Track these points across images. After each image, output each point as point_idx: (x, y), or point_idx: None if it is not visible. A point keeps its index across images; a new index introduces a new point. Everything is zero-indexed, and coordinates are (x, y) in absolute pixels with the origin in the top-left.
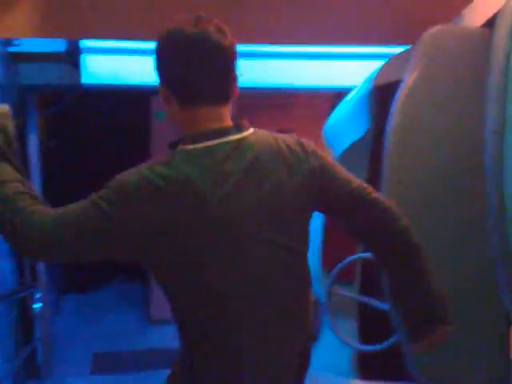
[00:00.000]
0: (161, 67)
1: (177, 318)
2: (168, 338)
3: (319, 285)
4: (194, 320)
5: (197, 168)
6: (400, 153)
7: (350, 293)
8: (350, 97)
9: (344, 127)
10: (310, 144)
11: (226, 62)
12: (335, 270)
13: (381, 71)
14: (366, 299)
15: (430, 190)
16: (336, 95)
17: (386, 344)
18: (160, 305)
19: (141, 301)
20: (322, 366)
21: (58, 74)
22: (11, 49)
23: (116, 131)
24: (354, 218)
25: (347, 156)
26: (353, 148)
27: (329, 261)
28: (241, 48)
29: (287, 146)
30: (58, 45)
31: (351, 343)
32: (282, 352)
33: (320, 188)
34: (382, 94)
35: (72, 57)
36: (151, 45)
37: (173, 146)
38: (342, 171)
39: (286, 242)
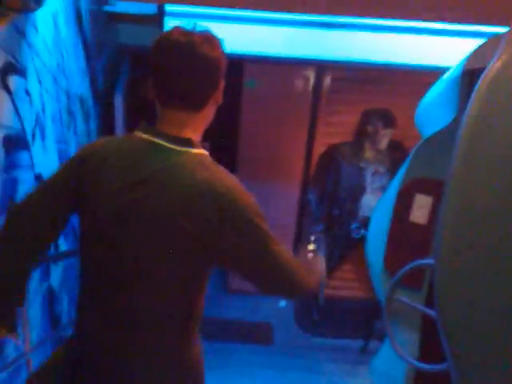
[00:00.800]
0: (150, 69)
1: None
2: (245, 310)
3: (380, 287)
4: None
5: (117, 153)
6: (470, 156)
7: (413, 301)
8: (444, 77)
9: (433, 111)
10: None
11: (205, 72)
12: (399, 274)
13: (474, 53)
14: (430, 311)
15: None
16: (433, 73)
17: (446, 365)
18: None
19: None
20: (377, 374)
21: (152, 36)
22: (107, 8)
23: None
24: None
25: (429, 145)
26: (436, 137)
27: (394, 261)
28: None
29: (200, 193)
30: (150, 7)
31: (407, 358)
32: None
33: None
34: (470, 79)
35: (161, 20)
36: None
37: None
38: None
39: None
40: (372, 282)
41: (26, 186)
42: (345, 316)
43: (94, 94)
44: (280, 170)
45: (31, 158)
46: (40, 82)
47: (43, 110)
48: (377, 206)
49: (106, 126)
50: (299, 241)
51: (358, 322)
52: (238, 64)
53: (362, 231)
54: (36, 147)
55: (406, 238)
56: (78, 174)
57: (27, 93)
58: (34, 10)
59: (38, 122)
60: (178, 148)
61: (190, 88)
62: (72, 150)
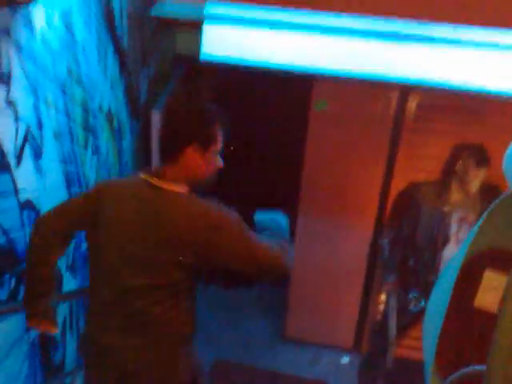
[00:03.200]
0: None
1: None
2: (301, 362)
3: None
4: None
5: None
6: None
7: None
8: None
9: None
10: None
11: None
12: (450, 379)
13: None
14: None
15: None
16: None
17: None
18: (297, 320)
19: (275, 312)
20: None
21: None
22: (154, 11)
23: (267, 117)
24: None
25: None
26: None
27: (446, 357)
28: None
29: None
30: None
31: None
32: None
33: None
34: None
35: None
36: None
37: None
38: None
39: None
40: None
41: (7, 215)
42: (415, 381)
43: (131, 108)
44: (351, 206)
45: (13, 183)
46: (35, 92)
47: (39, 124)
48: (441, 275)
49: (144, 144)
50: (369, 291)
51: None
52: (306, 81)
53: (422, 303)
54: (23, 169)
55: (466, 329)
56: (94, 208)
57: (9, 103)
58: (25, 3)
59: (29, 139)
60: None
61: (163, 145)
62: (88, 172)
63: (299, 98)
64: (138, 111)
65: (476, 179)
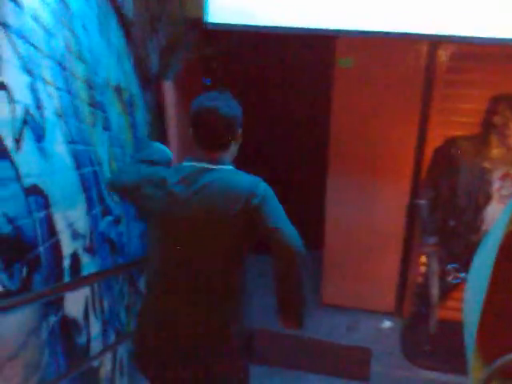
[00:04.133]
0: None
1: None
2: (340, 328)
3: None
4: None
5: (173, 173)
6: None
7: None
8: None
9: None
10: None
11: (225, 127)
12: (498, 363)
13: None
14: None
15: None
16: None
17: None
18: (333, 286)
19: (310, 277)
20: None
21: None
22: None
23: (288, 79)
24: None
25: None
26: None
27: (490, 341)
28: None
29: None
30: None
31: None
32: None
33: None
34: None
35: None
36: None
37: None
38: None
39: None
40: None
41: (11, 202)
42: (461, 345)
43: (141, 80)
44: (384, 168)
45: (15, 168)
46: (30, 71)
47: (39, 105)
48: (482, 244)
49: (158, 115)
50: (408, 254)
51: None
52: (328, 38)
53: (462, 275)
54: (25, 153)
55: (508, 310)
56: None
57: (0, 85)
58: None
59: (29, 121)
60: (216, 167)
61: (215, 139)
62: (100, 150)
63: (322, 56)
64: (151, 82)
65: None
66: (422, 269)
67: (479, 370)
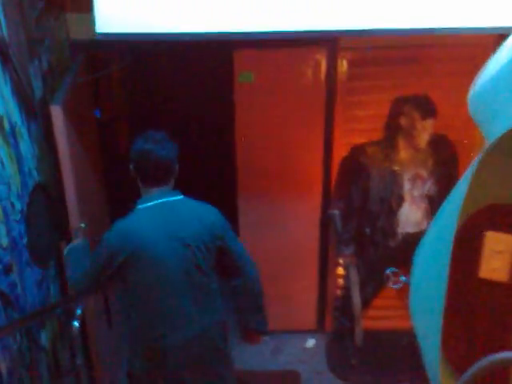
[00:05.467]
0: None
1: None
2: (263, 354)
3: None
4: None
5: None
6: None
7: None
8: None
9: (501, 94)
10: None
11: (161, 166)
12: (469, 374)
13: None
14: None
15: None
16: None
17: None
18: None
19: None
20: None
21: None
22: None
23: (187, 95)
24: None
25: (504, 149)
26: None
27: (458, 347)
28: None
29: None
30: None
31: None
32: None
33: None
34: None
35: None
36: None
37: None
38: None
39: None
40: (424, 364)
41: None
42: (389, 354)
43: (24, 107)
44: (293, 182)
45: None
46: None
47: None
48: (423, 243)
49: (47, 145)
50: (325, 267)
51: (406, 360)
52: (226, 52)
53: (403, 279)
54: None
55: (474, 306)
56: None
57: None
58: None
59: None
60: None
61: (160, 175)
62: None
63: (224, 68)
64: (35, 109)
65: (424, 132)
66: (341, 281)
67: (450, 378)
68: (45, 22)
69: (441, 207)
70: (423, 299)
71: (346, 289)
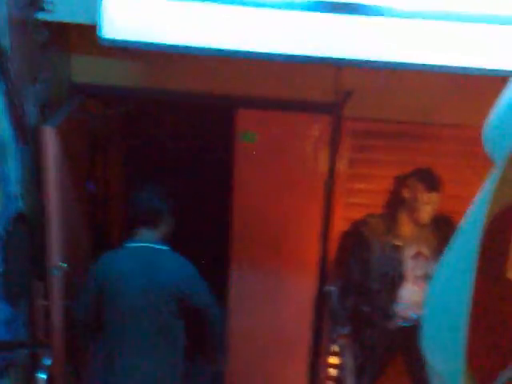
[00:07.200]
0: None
1: None
2: None
3: None
4: None
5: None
6: None
7: None
8: None
9: None
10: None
11: (143, 208)
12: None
13: None
14: None
15: None
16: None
17: None
18: None
19: None
20: None
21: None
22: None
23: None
24: None
25: None
26: None
27: (485, 357)
28: None
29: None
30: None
31: None
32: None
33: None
34: None
35: None
36: None
37: None
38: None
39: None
40: None
41: None
42: None
43: (16, 128)
44: (289, 255)
45: None
46: None
47: None
48: (437, 274)
49: (36, 173)
50: (317, 353)
51: None
52: (228, 111)
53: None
54: None
55: (502, 312)
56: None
57: None
58: None
59: None
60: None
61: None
62: None
63: (224, 127)
64: (26, 134)
65: (428, 205)
66: (333, 372)
67: None
68: (48, 54)
69: (459, 224)
70: (439, 321)
71: (340, 381)
